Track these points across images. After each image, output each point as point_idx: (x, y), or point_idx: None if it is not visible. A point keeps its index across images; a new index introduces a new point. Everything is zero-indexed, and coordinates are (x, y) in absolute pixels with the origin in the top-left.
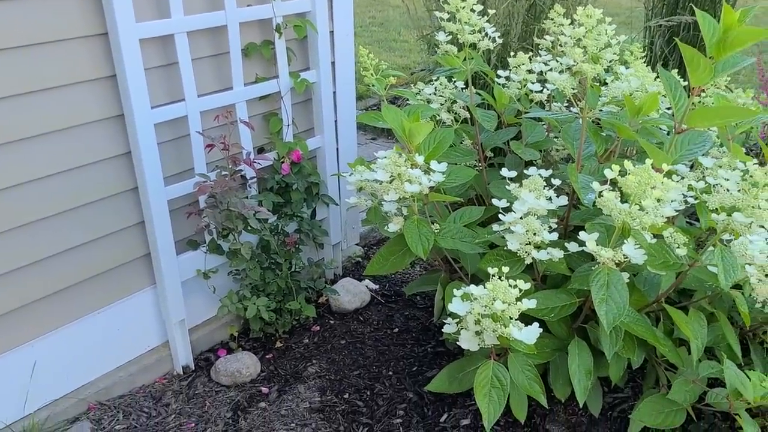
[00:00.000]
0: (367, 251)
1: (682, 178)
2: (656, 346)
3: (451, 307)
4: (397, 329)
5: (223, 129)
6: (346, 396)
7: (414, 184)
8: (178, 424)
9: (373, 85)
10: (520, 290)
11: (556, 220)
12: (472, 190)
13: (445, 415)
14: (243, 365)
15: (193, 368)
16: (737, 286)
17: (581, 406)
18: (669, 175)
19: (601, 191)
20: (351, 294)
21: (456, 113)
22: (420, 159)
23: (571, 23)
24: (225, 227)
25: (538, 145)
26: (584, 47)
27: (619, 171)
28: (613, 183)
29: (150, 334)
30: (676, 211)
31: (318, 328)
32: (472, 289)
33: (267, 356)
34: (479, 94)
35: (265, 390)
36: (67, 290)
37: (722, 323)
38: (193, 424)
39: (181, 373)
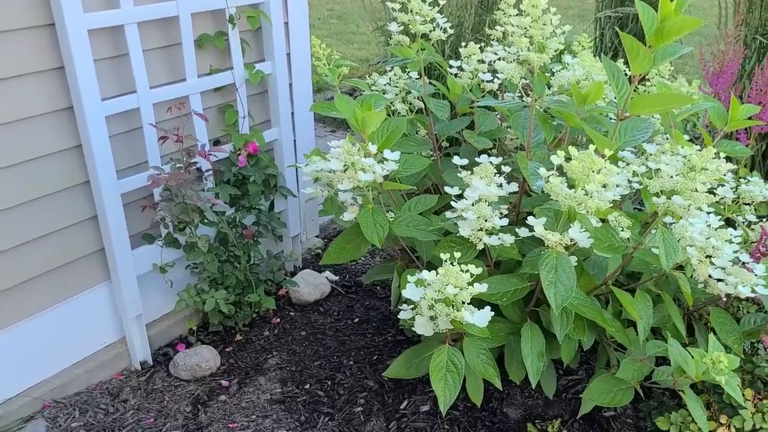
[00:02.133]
0: (327, 243)
1: (628, 164)
2: (605, 327)
3: (405, 293)
4: (357, 319)
5: (177, 121)
6: (307, 386)
7: (368, 172)
8: (136, 420)
9: (326, 75)
10: (472, 275)
11: (507, 207)
12: (428, 180)
13: (405, 402)
14: (202, 359)
15: (152, 363)
16: (681, 268)
17: (534, 387)
18: (615, 161)
19: (548, 177)
20: (311, 286)
21: (410, 103)
22: (373, 148)
23: (519, 14)
24: (181, 220)
25: (491, 134)
26: (530, 37)
27: (565, 157)
28: (562, 169)
29: (106, 330)
30: (622, 195)
31: (278, 320)
32: (425, 274)
33: (227, 349)
34: (433, 84)
35: (225, 383)
36: (19, 287)
37: (668, 304)
38: (151, 420)
39: (139, 368)
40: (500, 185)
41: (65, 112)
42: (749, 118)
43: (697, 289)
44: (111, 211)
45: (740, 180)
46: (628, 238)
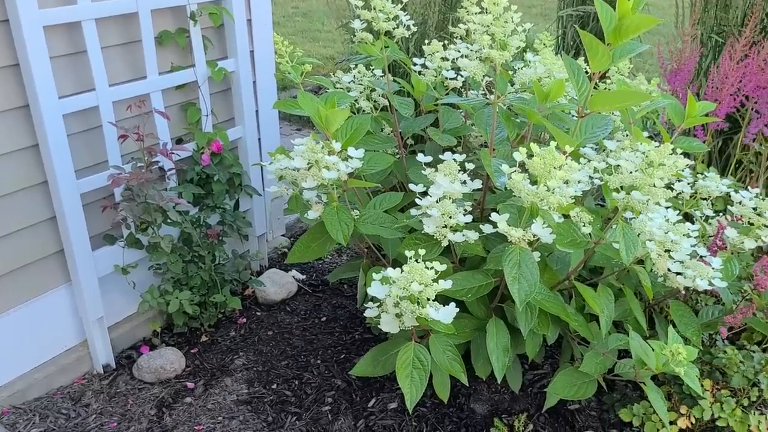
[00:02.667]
0: (294, 242)
1: (589, 160)
2: (568, 322)
3: (370, 290)
4: (324, 318)
5: (138, 119)
6: (274, 386)
7: (332, 170)
8: (99, 425)
9: (288, 73)
10: (436, 272)
11: (472, 204)
12: (394, 177)
13: (373, 400)
14: (167, 361)
15: (115, 367)
16: (641, 262)
17: (501, 382)
18: (577, 157)
19: (511, 174)
20: (277, 285)
21: (375, 101)
22: (337, 146)
23: (481, 12)
24: (143, 220)
25: (456, 132)
26: (492, 34)
27: (527, 154)
28: (524, 166)
29: (67, 333)
30: (583, 191)
31: (244, 320)
32: (390, 272)
33: (192, 351)
34: (397, 82)
35: (190, 385)
36: None
37: (629, 298)
38: (115, 424)
39: (102, 372)
40: (464, 182)
41: (21, 110)
42: (706, 115)
43: (657, 282)
44: (70, 212)
45: (697, 175)
46: (589, 234)
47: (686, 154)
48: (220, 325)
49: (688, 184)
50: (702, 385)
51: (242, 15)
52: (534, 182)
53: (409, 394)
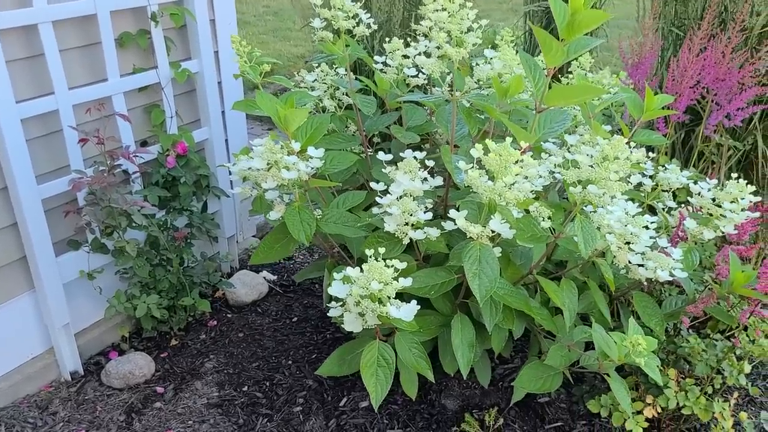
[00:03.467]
0: None
1: (551, 155)
2: (532, 316)
3: (331, 290)
4: (296, 318)
5: (100, 123)
6: (245, 388)
7: (291, 171)
8: None
9: (247, 73)
10: (396, 270)
11: (435, 200)
12: (360, 176)
13: (344, 399)
14: (135, 366)
15: (83, 373)
16: (604, 255)
17: (471, 378)
18: (539, 152)
19: (468, 170)
20: (248, 286)
21: (339, 100)
22: (296, 145)
23: (439, 9)
24: (108, 225)
25: (420, 129)
26: (448, 31)
27: (483, 150)
28: (481, 162)
29: (32, 340)
30: (544, 186)
31: (215, 322)
32: (349, 271)
33: (162, 355)
34: (360, 80)
35: (160, 389)
36: None
37: (593, 290)
38: (83, 431)
39: (70, 379)
40: (425, 179)
41: None
42: (666, 107)
43: (620, 275)
44: (31, 218)
45: (659, 168)
46: (550, 228)
47: (650, 148)
48: (190, 328)
49: (650, 176)
50: (667, 375)
51: (205, 15)
52: (492, 178)
53: (375, 393)
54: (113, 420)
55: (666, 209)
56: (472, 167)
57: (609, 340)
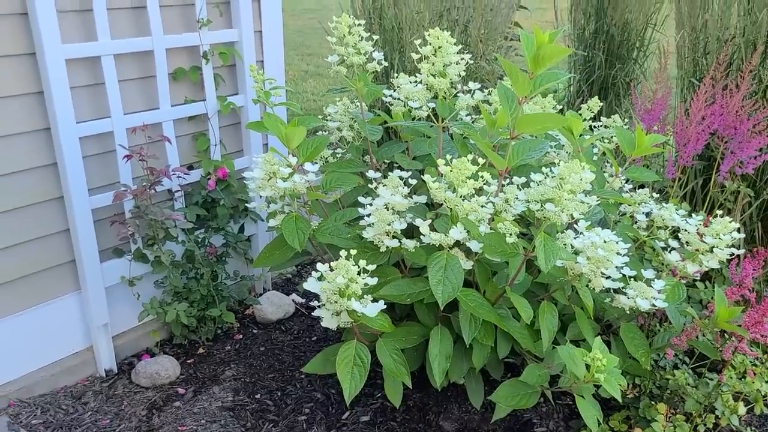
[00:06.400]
0: (300, 269)
1: (539, 183)
2: (505, 329)
3: (306, 285)
4: (315, 338)
5: (151, 146)
6: (258, 396)
7: (287, 181)
8: (93, 421)
9: (260, 98)
10: (365, 270)
11: (420, 217)
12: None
13: (347, 413)
14: (162, 367)
15: (116, 371)
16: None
17: (438, 387)
18: (527, 180)
19: (431, 182)
20: (275, 305)
21: (357, 131)
22: (294, 160)
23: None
24: (149, 236)
25: (423, 159)
26: (433, 63)
27: (444, 163)
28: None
29: (75, 337)
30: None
31: (241, 336)
32: (319, 266)
33: (188, 361)
34: (373, 112)
35: (181, 391)
36: None
37: (579, 318)
38: (108, 421)
39: (104, 375)
40: (410, 196)
41: (43, 132)
42: (661, 145)
43: (606, 303)
44: (81, 225)
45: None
46: (517, 244)
47: (660, 191)
48: (217, 339)
49: (645, 213)
50: (656, 409)
51: (252, 56)
52: (454, 190)
53: (348, 387)
54: (135, 414)
55: (669, 249)
56: (435, 180)
57: (576, 358)
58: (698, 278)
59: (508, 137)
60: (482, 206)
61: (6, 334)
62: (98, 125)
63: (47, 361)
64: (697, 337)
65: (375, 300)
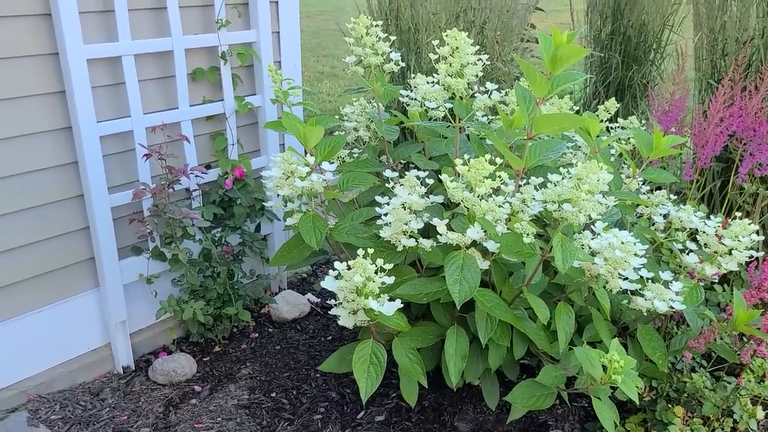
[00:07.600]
0: (316, 269)
1: (556, 184)
2: (522, 330)
3: (323, 284)
4: (330, 337)
5: (170, 144)
6: (273, 395)
7: (305, 180)
8: (110, 417)
9: (278, 98)
10: (380, 267)
11: (438, 218)
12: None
13: (362, 413)
14: (179, 365)
15: (134, 369)
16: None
17: (455, 387)
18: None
19: (449, 182)
20: (291, 305)
21: (374, 131)
22: (312, 159)
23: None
24: (166, 234)
25: (440, 159)
26: (450, 64)
27: (462, 163)
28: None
29: (93, 334)
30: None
31: (256, 335)
32: (337, 265)
33: (204, 359)
34: (390, 113)
35: (198, 388)
36: (11, 287)
37: (596, 320)
38: (125, 417)
39: (122, 372)
40: (426, 195)
41: (64, 131)
42: (678, 147)
43: (622, 305)
44: (101, 222)
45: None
46: (535, 245)
47: (677, 192)
48: (233, 338)
49: (663, 215)
50: (673, 413)
51: (270, 57)
52: (471, 190)
53: (364, 387)
54: (152, 411)
55: (687, 251)
56: (452, 180)
57: (593, 359)
58: (716, 281)
59: (525, 137)
60: (499, 206)
61: (26, 331)
62: (118, 124)
63: (66, 357)
64: (715, 340)
65: (392, 299)
